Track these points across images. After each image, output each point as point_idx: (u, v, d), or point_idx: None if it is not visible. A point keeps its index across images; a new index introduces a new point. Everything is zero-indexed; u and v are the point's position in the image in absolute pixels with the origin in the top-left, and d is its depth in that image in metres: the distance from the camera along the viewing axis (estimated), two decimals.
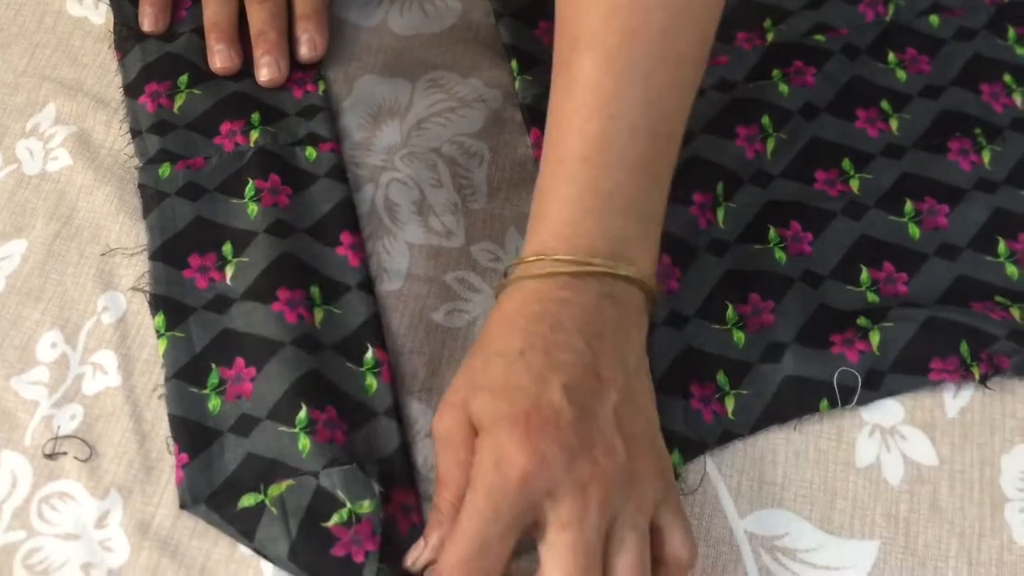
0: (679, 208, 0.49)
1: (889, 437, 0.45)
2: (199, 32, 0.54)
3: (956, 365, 0.45)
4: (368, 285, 0.47)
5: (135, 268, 0.48)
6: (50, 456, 0.43)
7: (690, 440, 0.44)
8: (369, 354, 0.45)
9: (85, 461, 0.43)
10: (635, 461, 0.38)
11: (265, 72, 0.52)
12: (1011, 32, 0.55)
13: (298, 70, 0.53)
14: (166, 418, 0.44)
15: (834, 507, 0.44)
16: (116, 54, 0.53)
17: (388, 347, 0.46)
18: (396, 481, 0.43)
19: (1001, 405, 0.45)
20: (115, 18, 0.54)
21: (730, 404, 0.45)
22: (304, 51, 0.53)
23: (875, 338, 0.46)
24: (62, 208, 0.49)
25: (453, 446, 0.39)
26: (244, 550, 0.42)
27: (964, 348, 0.45)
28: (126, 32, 0.54)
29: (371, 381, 0.45)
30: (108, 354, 0.46)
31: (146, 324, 0.46)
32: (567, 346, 0.39)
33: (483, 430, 0.38)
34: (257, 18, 0.53)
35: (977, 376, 0.45)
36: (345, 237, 0.48)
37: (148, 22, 0.53)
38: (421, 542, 0.40)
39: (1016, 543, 0.43)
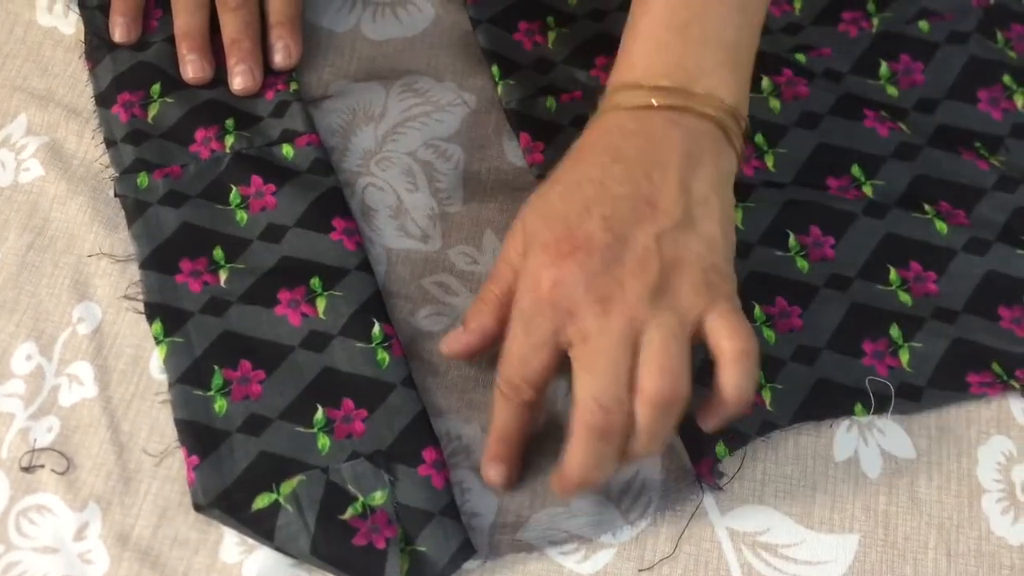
0: None
1: (867, 431, 0.45)
2: (171, 41, 0.53)
3: (992, 379, 0.46)
4: (367, 266, 0.47)
5: (111, 278, 0.47)
6: (27, 469, 0.43)
7: (734, 430, 0.44)
8: (376, 328, 0.45)
9: (63, 473, 0.43)
10: (674, 278, 0.40)
11: (239, 81, 0.52)
12: (999, 36, 0.55)
13: (270, 75, 0.53)
14: (144, 428, 0.44)
15: (814, 502, 0.44)
16: (87, 64, 0.53)
17: None
18: (424, 442, 0.43)
19: (976, 396, 0.46)
20: (85, 28, 0.54)
21: (767, 396, 0.45)
22: (279, 59, 0.53)
23: (904, 356, 0.46)
24: (35, 219, 0.49)
25: (508, 253, 0.42)
26: (225, 558, 0.41)
27: (997, 367, 0.46)
28: (96, 42, 0.53)
29: (383, 355, 0.45)
30: (84, 365, 0.45)
31: (122, 334, 0.46)
32: (624, 178, 0.41)
33: (525, 251, 0.41)
34: (231, 27, 0.52)
35: (1019, 388, 0.45)
36: (337, 223, 0.48)
37: (119, 32, 0.53)
38: (460, 328, 0.44)
39: (994, 533, 0.43)
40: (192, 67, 0.52)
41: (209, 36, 0.53)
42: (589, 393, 0.39)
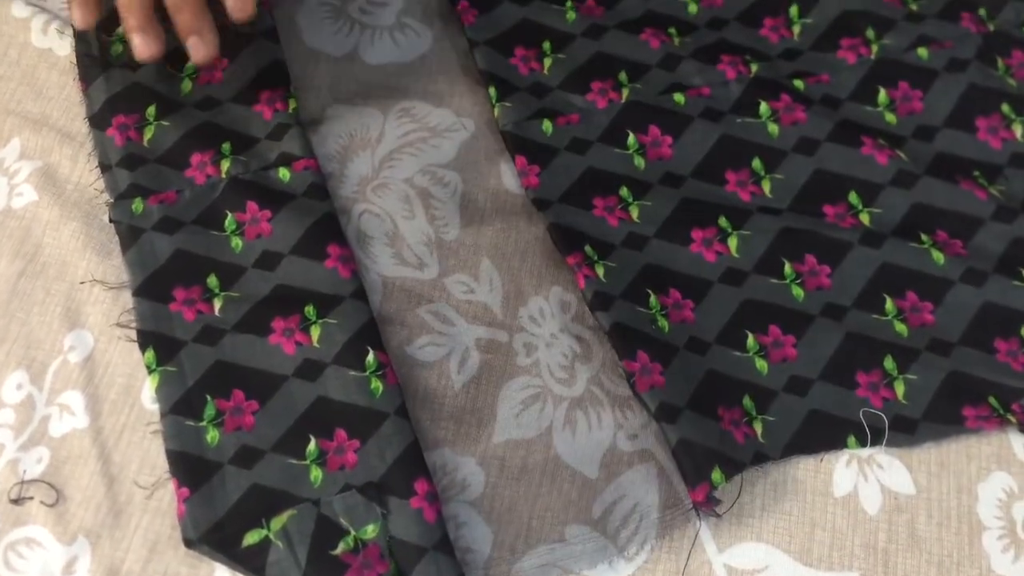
0: (679, 248, 0.49)
1: (866, 466, 0.45)
2: (166, 58, 0.53)
3: (989, 412, 0.45)
4: (361, 294, 0.47)
5: (104, 305, 0.47)
6: (16, 501, 0.42)
7: (729, 458, 0.44)
8: (371, 357, 0.45)
9: (52, 506, 0.42)
10: None
11: (195, 53, 0.48)
12: (1000, 63, 0.55)
13: (267, 89, 0.52)
14: (135, 459, 0.44)
15: (813, 538, 0.43)
16: (80, 85, 0.53)
17: None
18: (416, 474, 0.42)
19: (972, 430, 0.45)
20: (78, 48, 0.53)
21: (759, 428, 0.45)
22: (233, 6, 0.48)
23: (900, 388, 0.46)
24: (27, 245, 0.48)
25: None
26: None
27: (993, 400, 0.46)
28: (89, 62, 0.53)
29: (376, 384, 0.44)
30: (75, 395, 0.45)
31: (114, 363, 0.46)
32: None
33: None
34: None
35: (1015, 423, 0.45)
36: (332, 249, 0.48)
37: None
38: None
39: (994, 572, 0.43)
40: (140, 48, 0.48)
41: (153, 6, 0.48)
42: None
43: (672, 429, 0.44)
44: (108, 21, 0.54)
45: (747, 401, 0.45)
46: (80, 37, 0.54)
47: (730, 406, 0.45)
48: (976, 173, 0.52)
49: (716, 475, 0.43)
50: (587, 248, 0.48)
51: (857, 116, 0.53)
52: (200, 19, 0.48)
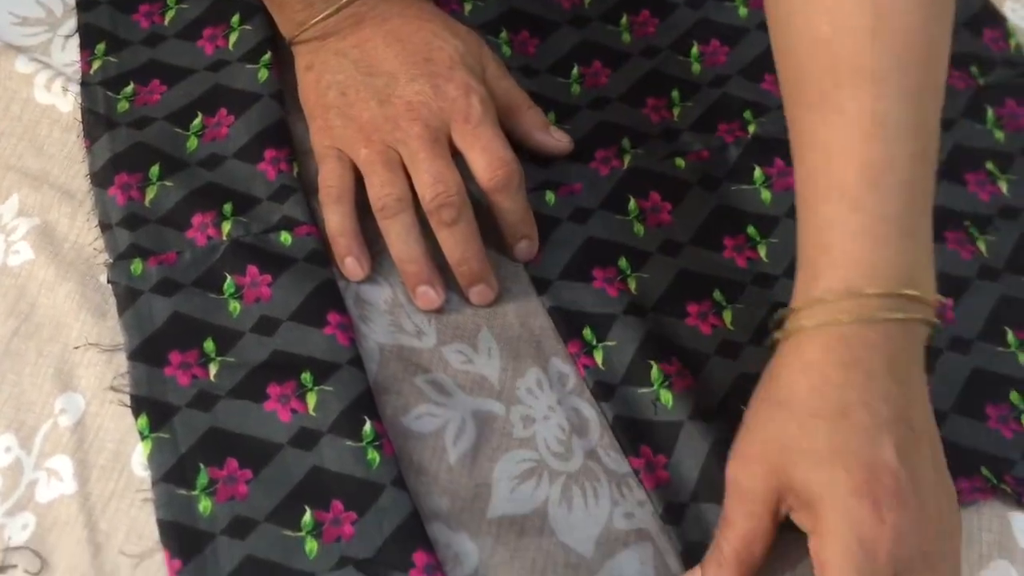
0: (676, 322, 0.49)
1: None
2: (171, 119, 0.53)
3: (982, 483, 0.45)
4: (359, 362, 0.46)
5: (97, 368, 0.46)
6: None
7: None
8: (367, 427, 0.44)
9: (36, 574, 0.42)
10: (954, 527, 0.40)
11: (477, 299, 0.49)
12: (990, 113, 0.56)
13: (272, 148, 0.52)
14: (122, 528, 0.43)
15: None
16: (84, 142, 0.52)
17: None
18: (415, 546, 0.42)
19: (978, 518, 0.45)
20: (84, 104, 0.53)
21: None
22: (521, 256, 0.50)
23: None
24: (22, 304, 0.48)
25: (750, 499, 0.40)
26: None
27: (986, 471, 0.45)
28: (93, 118, 0.53)
29: (373, 455, 0.44)
30: (64, 459, 0.44)
31: (104, 427, 0.45)
32: (883, 396, 0.39)
33: (823, 502, 0.38)
34: (451, 247, 0.48)
35: (1011, 492, 0.45)
36: (332, 317, 0.47)
37: (353, 272, 0.49)
38: (698, 572, 0.41)
39: None
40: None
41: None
42: None
43: (677, 531, 0.44)
44: (116, 79, 0.54)
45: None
46: (87, 93, 0.54)
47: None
48: (967, 223, 0.52)
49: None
50: (586, 332, 0.48)
51: None
52: (485, 267, 0.48)
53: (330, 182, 0.49)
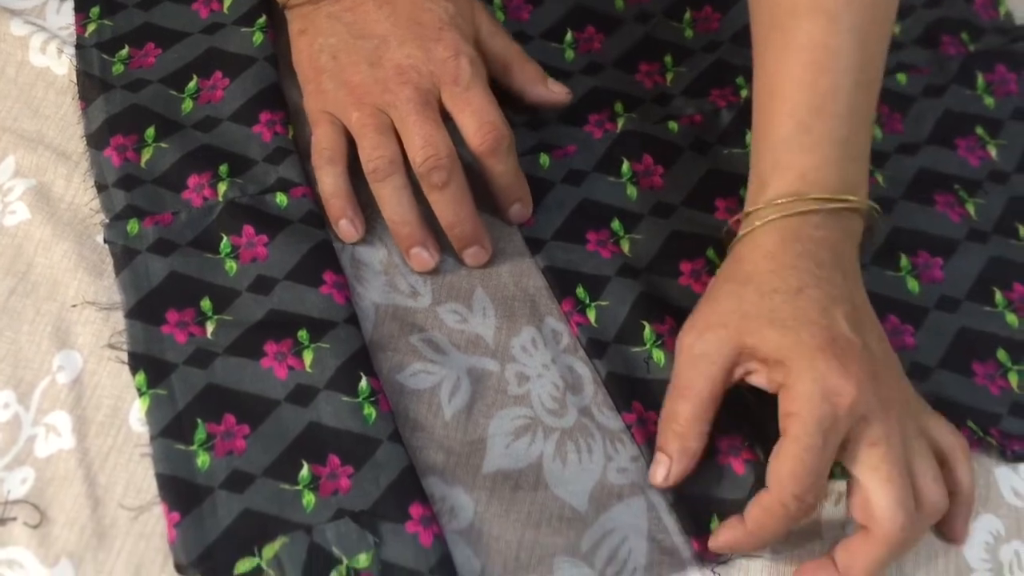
0: (670, 281, 0.49)
1: None
2: (166, 81, 0.53)
3: (969, 435, 0.46)
4: (355, 320, 0.47)
5: (94, 326, 0.46)
6: None
7: (726, 500, 0.44)
8: (364, 383, 0.45)
9: (35, 527, 0.42)
10: (903, 385, 0.43)
11: (471, 260, 0.50)
12: (980, 80, 0.56)
13: (267, 110, 0.52)
14: (120, 482, 0.43)
15: None
16: (80, 103, 0.53)
17: None
18: (411, 498, 0.42)
19: None
20: (79, 66, 0.53)
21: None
22: (514, 219, 0.51)
23: None
24: (19, 264, 0.48)
25: (709, 362, 0.43)
26: None
27: (972, 424, 0.46)
28: (89, 80, 0.53)
29: (369, 410, 0.44)
30: (62, 415, 0.44)
31: (102, 384, 0.45)
32: (831, 281, 0.43)
33: (792, 360, 0.41)
34: (442, 210, 0.48)
35: (995, 444, 0.46)
36: (328, 276, 0.48)
37: (347, 234, 0.50)
38: (660, 456, 0.44)
39: None
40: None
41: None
42: (895, 502, 0.40)
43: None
44: (111, 42, 0.54)
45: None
46: (82, 56, 0.54)
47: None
48: (956, 187, 0.53)
49: (715, 524, 0.43)
50: (579, 291, 0.49)
51: None
52: (478, 229, 0.49)
53: (323, 144, 0.50)
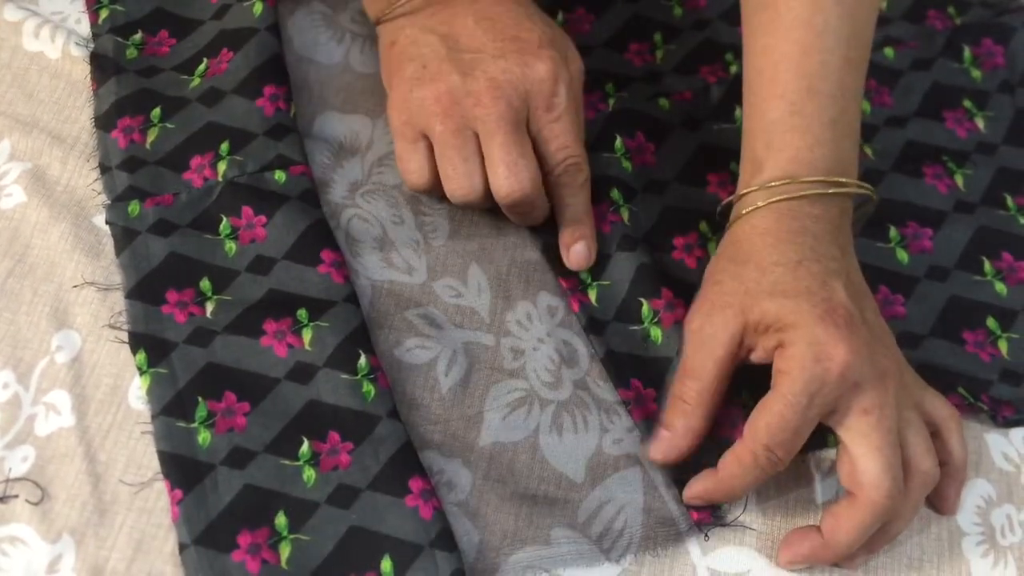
0: (664, 256, 0.50)
1: None
2: (179, 69, 0.53)
3: (959, 400, 0.46)
4: (354, 299, 0.47)
5: (92, 307, 0.47)
6: (0, 499, 0.42)
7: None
8: (362, 360, 0.45)
9: (37, 504, 0.42)
10: (898, 357, 0.44)
11: (580, 261, 0.49)
12: (967, 53, 0.57)
13: (271, 84, 0.52)
14: (121, 459, 0.43)
15: None
16: (91, 84, 0.53)
17: None
18: (411, 472, 0.43)
19: None
20: (95, 48, 0.53)
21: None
22: (576, 262, 0.50)
23: None
24: (16, 246, 0.48)
25: (716, 344, 0.43)
26: None
27: (962, 390, 0.47)
28: (102, 62, 0.53)
29: (368, 387, 0.45)
30: (61, 394, 0.45)
31: (101, 363, 0.46)
32: (829, 255, 0.44)
33: (789, 327, 0.42)
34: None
35: (986, 410, 0.46)
36: (326, 255, 0.48)
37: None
38: (663, 432, 0.44)
39: None
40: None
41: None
42: (883, 469, 0.40)
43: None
44: (123, 28, 0.55)
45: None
46: (100, 40, 0.54)
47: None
48: (945, 158, 0.54)
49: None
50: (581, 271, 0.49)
51: None
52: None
53: (412, 167, 0.49)
